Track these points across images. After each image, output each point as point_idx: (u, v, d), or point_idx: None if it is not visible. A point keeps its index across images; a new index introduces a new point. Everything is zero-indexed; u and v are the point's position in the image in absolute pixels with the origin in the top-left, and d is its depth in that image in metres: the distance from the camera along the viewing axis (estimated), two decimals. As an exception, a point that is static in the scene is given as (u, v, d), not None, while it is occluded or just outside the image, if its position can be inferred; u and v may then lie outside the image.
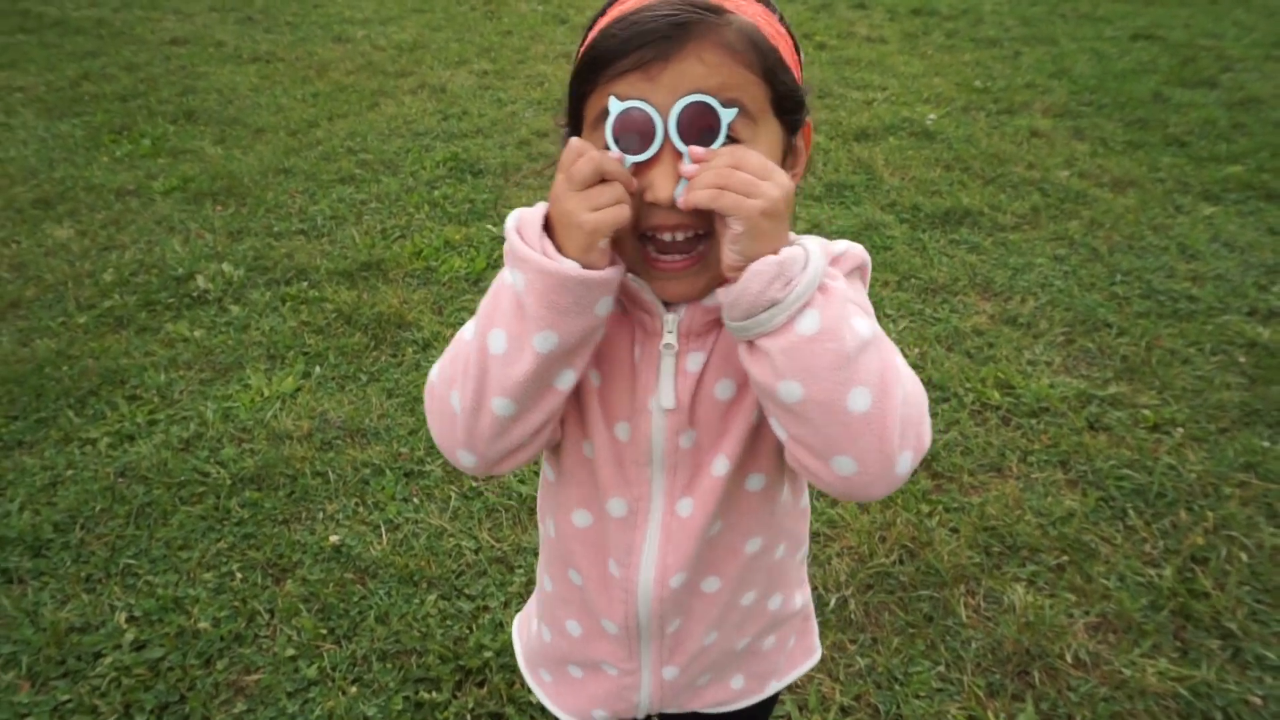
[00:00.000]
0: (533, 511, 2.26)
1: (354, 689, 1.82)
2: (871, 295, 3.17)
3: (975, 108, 5.11)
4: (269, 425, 2.54)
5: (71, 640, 1.92)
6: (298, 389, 2.71)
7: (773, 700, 1.14)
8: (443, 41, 6.48)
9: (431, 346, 2.91)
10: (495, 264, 3.40)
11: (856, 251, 0.88)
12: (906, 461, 0.75)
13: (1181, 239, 3.60)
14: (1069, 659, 1.89)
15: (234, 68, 5.84)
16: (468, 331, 0.82)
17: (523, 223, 0.77)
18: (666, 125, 0.75)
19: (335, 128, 4.80)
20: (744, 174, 0.72)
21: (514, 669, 1.85)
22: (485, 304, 0.80)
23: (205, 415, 2.59)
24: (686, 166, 0.74)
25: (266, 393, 2.68)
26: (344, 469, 2.39)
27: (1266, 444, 2.48)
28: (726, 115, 0.74)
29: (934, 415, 2.59)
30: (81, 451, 2.46)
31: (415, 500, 2.30)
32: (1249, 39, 6.37)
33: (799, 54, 0.85)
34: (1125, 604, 2.00)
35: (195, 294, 3.21)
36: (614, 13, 0.78)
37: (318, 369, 2.80)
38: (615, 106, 0.75)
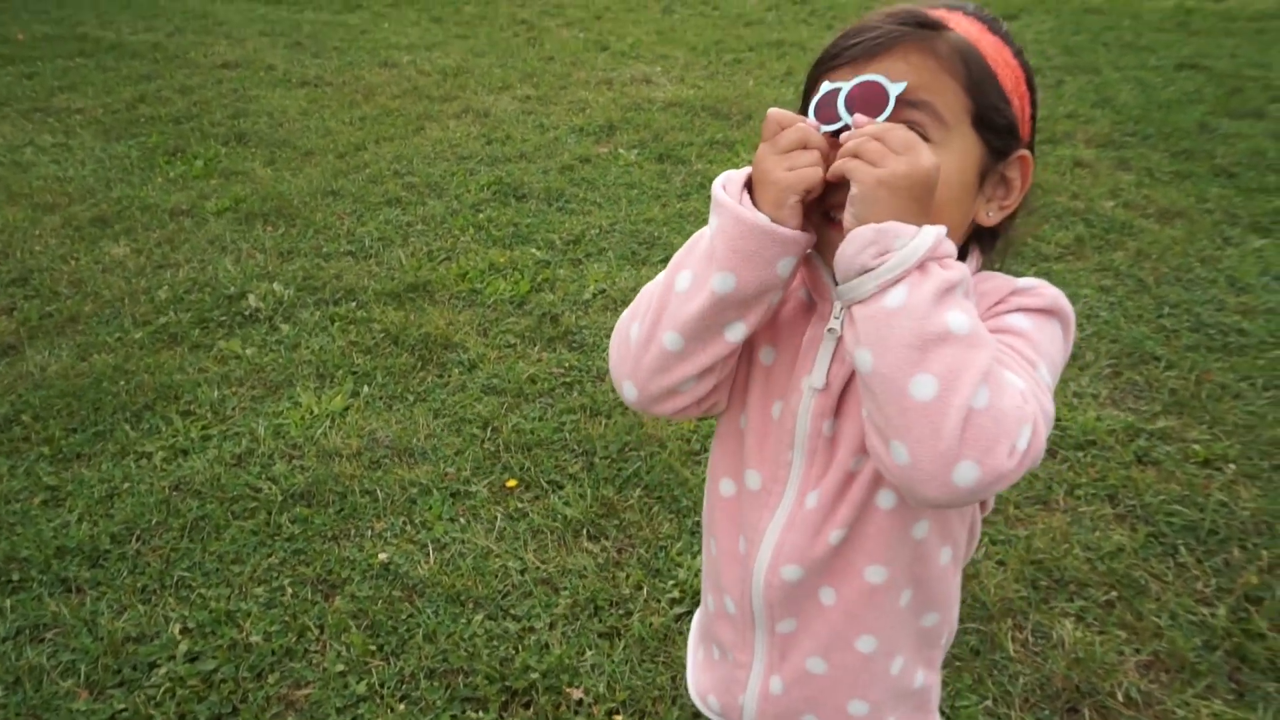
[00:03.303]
0: (576, 534, 2.27)
1: (402, 706, 1.84)
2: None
3: (1017, 137, 5.10)
4: (319, 443, 2.59)
5: (128, 650, 1.96)
6: (346, 407, 2.76)
7: None
8: (486, 67, 6.59)
9: (477, 367, 2.95)
10: (539, 287, 3.44)
11: (1051, 294, 0.88)
12: (967, 472, 0.72)
13: (1231, 271, 3.55)
14: (1120, 697, 1.87)
15: (283, 91, 5.98)
16: (658, 280, 0.91)
17: (728, 179, 0.86)
18: (838, 99, 0.82)
19: (382, 151, 4.90)
20: (878, 145, 0.77)
21: (559, 690, 1.86)
22: (679, 254, 0.89)
23: (257, 432, 2.64)
24: (844, 135, 0.81)
25: (316, 411, 2.73)
26: (392, 488, 2.42)
27: (1322, 482, 2.44)
28: (894, 89, 0.80)
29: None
30: (137, 465, 2.53)
31: (462, 520, 2.32)
32: (1296, 70, 6.29)
33: (1031, 93, 0.91)
34: (1178, 643, 1.97)
35: (247, 312, 3.28)
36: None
37: (366, 388, 2.85)
38: (824, 87, 0.85)
